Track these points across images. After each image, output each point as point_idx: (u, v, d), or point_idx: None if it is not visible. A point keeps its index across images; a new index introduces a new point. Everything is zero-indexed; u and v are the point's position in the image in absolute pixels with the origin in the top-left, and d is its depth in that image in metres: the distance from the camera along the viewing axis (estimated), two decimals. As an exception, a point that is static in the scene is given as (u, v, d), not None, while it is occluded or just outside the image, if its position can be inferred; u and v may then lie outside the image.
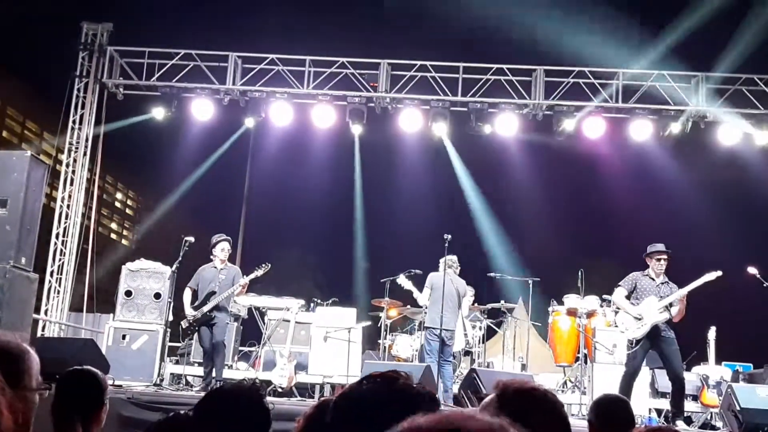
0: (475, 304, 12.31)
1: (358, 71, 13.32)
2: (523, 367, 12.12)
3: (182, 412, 2.99)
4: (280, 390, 10.16)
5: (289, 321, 11.23)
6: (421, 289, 10.52)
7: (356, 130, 13.51)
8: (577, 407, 10.11)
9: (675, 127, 12.90)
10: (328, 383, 11.10)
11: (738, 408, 8.37)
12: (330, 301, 12.41)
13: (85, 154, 13.48)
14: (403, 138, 14.15)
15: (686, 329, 9.69)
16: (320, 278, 19.06)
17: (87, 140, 13.50)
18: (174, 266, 10.52)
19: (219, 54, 13.45)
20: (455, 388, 10.12)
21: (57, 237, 13.18)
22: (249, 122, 13.64)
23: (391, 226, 17.96)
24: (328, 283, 18.00)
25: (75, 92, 13.45)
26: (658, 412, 10.25)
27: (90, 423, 3.42)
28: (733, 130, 12.89)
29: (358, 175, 16.23)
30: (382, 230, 18.43)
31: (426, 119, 13.29)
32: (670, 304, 8.85)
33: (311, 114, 13.38)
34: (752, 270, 9.68)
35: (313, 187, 17.15)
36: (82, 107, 13.47)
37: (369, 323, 12.19)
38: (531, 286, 11.67)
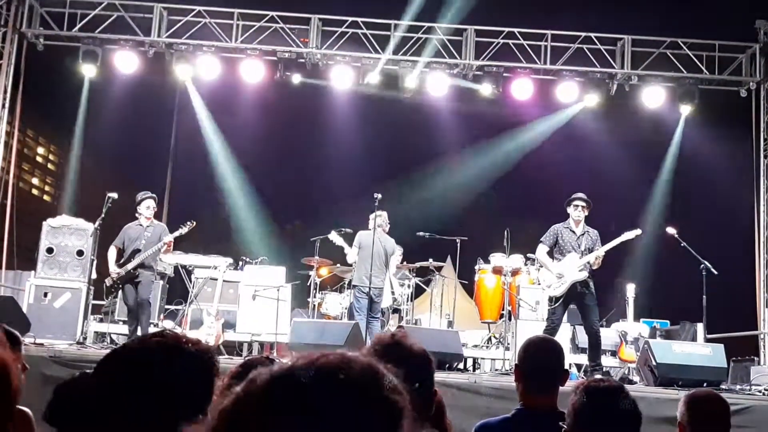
0: (404, 263, 12.42)
1: (288, 26, 13.11)
2: (450, 324, 12.32)
3: (88, 371, 2.94)
4: (207, 348, 10.11)
5: (216, 279, 11.15)
6: (351, 247, 10.58)
7: (296, 78, 13.22)
8: (500, 362, 10.36)
9: (600, 90, 13.10)
10: (256, 341, 11.10)
11: (654, 363, 8.68)
12: (259, 260, 12.36)
13: (3, 106, 12.99)
14: (334, 94, 14.02)
15: (606, 286, 10.00)
16: (249, 237, 18.89)
17: (6, 92, 13.01)
18: (97, 223, 10.29)
19: (143, 5, 13.04)
20: (383, 345, 10.23)
21: (-26, 192, 12.76)
22: (184, 71, 13.18)
23: (322, 184, 17.87)
24: (258, 242, 17.85)
25: (-8, 42, 12.92)
26: (578, 367, 10.59)
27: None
28: (656, 94, 13.17)
29: (286, 132, 16.07)
30: (312, 188, 18.33)
31: (357, 76, 13.19)
32: (589, 262, 9.12)
33: (240, 68, 13.14)
34: (671, 230, 9.99)
35: (242, 143, 16.89)
36: (0, 58, 12.95)
37: (298, 282, 12.18)
38: (459, 244, 11.82)
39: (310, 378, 1.03)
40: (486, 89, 13.07)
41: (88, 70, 13.05)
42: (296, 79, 13.19)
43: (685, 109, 13.20)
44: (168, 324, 11.81)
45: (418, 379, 2.43)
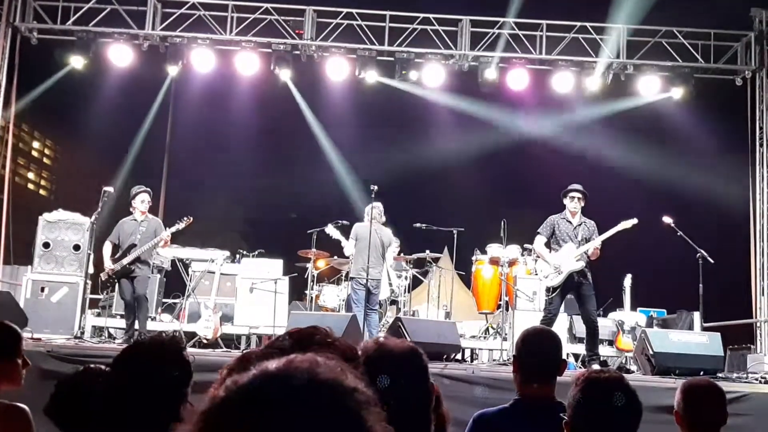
0: (401, 254, 12.43)
1: (282, 17, 13.06)
2: (447, 315, 12.33)
3: (92, 365, 2.95)
4: (205, 341, 10.13)
5: (213, 272, 11.15)
6: (348, 239, 10.58)
7: (285, 75, 13.25)
8: (498, 353, 10.38)
9: (596, 79, 13.08)
10: (254, 334, 11.10)
11: (651, 352, 8.70)
12: (256, 253, 12.35)
13: (-3, 101, 12.95)
14: (330, 86, 13.99)
15: (603, 276, 10.00)
16: (246, 229, 18.88)
17: (0, 87, 12.96)
18: (93, 217, 10.28)
19: (137, -3, 12.98)
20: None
21: (-31, 187, 12.72)
22: (172, 71, 13.22)
23: (318, 175, 17.86)
24: (255, 235, 17.85)
25: (-15, 37, 12.85)
26: (576, 356, 10.61)
27: (3, 376, 3.32)
28: (651, 82, 13.16)
29: (281, 123, 16.01)
30: (309, 180, 18.32)
31: (352, 68, 13.16)
32: (586, 251, 9.13)
33: (234, 61, 13.09)
34: (667, 219, 9.99)
35: (238, 136, 16.85)
36: (-7, 52, 12.90)
37: (295, 274, 12.19)
38: (456, 235, 11.82)
39: (283, 380, 1.08)
40: (488, 76, 13.01)
41: (82, 64, 12.97)
42: (284, 75, 13.19)
43: (677, 92, 13.12)
44: (166, 317, 11.82)
45: (410, 378, 2.43)
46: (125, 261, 9.71)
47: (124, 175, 15.54)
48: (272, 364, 1.11)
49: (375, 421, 1.08)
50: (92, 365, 3.09)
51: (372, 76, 13.13)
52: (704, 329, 10.01)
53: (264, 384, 1.08)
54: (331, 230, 10.83)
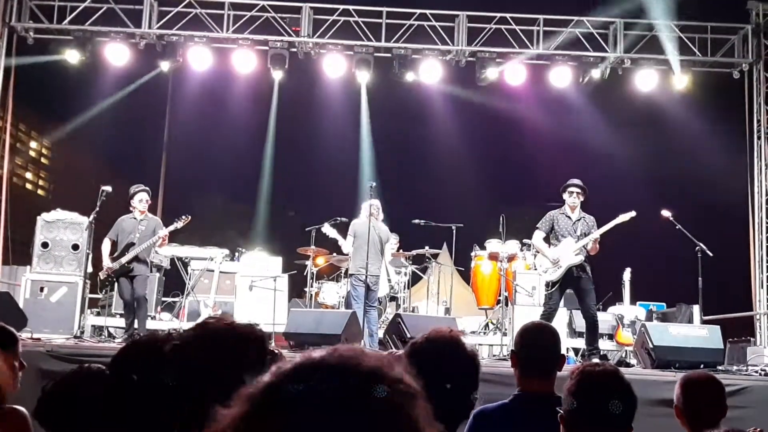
0: (400, 251, 12.42)
1: (279, 15, 13.04)
2: (447, 311, 12.34)
3: (85, 365, 2.93)
4: (205, 339, 10.10)
5: (213, 271, 11.14)
6: (345, 237, 10.58)
7: (277, 75, 13.29)
8: (498, 348, 10.38)
9: (594, 74, 13.08)
10: (253, 332, 11.08)
11: (651, 346, 8.70)
12: (255, 250, 12.35)
13: (-6, 101, 12.93)
14: (327, 84, 13.98)
15: (602, 270, 10.00)
16: (245, 227, 18.88)
17: (-4, 87, 12.94)
18: (91, 217, 10.26)
19: (134, -4, 12.95)
20: (380, 333, 10.26)
21: (-33, 188, 12.69)
22: (164, 66, 13.22)
23: (317, 173, 17.87)
24: (253, 232, 17.85)
25: (-19, 36, 12.82)
26: (576, 351, 10.61)
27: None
28: (649, 76, 13.15)
29: (279, 122, 15.99)
30: (307, 177, 18.33)
31: (350, 65, 13.15)
32: (585, 246, 9.13)
33: (231, 59, 13.08)
34: (666, 213, 9.99)
35: (236, 134, 16.83)
36: (-10, 52, 12.87)
37: (295, 272, 12.18)
38: (454, 231, 11.82)
39: (326, 369, 1.07)
40: (486, 71, 12.99)
41: (78, 63, 12.95)
42: (276, 76, 13.23)
43: (674, 85, 13.09)
44: (165, 316, 11.81)
45: (462, 381, 2.47)
46: (124, 260, 9.70)
47: (122, 174, 15.54)
48: (316, 353, 1.10)
49: (420, 412, 1.07)
50: (82, 365, 3.06)
51: (366, 76, 13.12)
52: (704, 322, 10.01)
53: (306, 371, 1.07)
54: (327, 229, 10.82)
